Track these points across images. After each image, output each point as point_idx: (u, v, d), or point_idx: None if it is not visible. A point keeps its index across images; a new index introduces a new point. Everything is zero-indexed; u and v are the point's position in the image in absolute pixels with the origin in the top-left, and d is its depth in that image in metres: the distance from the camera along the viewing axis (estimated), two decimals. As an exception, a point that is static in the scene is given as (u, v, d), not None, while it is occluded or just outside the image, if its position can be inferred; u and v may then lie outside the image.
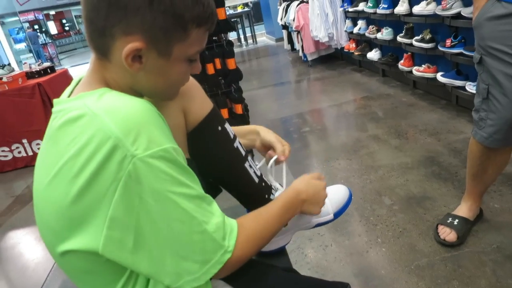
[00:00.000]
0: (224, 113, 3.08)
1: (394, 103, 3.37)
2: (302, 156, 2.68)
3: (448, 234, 1.58)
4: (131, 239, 0.57)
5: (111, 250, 0.58)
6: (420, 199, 1.92)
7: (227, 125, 0.89)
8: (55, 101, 0.65)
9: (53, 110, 0.64)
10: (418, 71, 3.23)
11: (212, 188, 0.94)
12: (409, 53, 3.44)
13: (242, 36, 9.38)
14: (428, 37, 3.05)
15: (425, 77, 3.17)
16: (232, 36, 9.05)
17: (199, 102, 0.85)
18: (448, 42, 2.74)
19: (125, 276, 0.64)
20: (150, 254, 0.59)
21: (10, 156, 3.56)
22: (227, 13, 6.79)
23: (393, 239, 1.68)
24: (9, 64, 3.78)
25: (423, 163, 2.26)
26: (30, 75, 3.73)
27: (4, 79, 3.39)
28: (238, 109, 3.10)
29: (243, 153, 0.91)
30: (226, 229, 0.64)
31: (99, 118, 0.56)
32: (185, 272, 0.61)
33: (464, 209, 1.64)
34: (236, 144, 0.89)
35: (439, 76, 2.93)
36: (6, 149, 3.53)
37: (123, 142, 0.54)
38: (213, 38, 2.94)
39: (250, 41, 9.30)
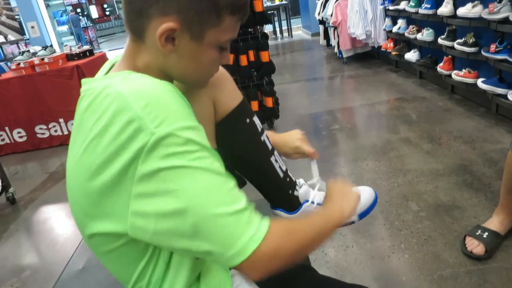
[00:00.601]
0: (254, 105, 3.09)
1: (429, 107, 3.26)
2: (329, 154, 2.65)
3: (476, 246, 1.53)
4: (153, 219, 0.56)
5: (136, 230, 0.58)
6: (449, 208, 1.86)
7: (255, 118, 0.89)
8: (83, 81, 0.67)
9: (81, 89, 0.66)
10: (458, 75, 3.11)
11: (236, 180, 0.94)
12: (449, 56, 3.31)
13: (278, 29, 9.31)
14: (471, 41, 2.92)
15: (464, 82, 3.05)
16: (267, 28, 9.01)
17: (229, 94, 0.86)
18: (493, 47, 2.61)
19: (148, 254, 0.65)
20: (171, 233, 0.57)
21: (47, 134, 3.72)
22: (264, 5, 6.75)
23: (417, 246, 1.64)
24: (51, 46, 3.93)
25: (455, 171, 2.18)
26: (70, 57, 3.86)
27: (46, 60, 3.53)
28: (269, 102, 3.10)
29: (270, 147, 0.91)
30: (252, 217, 0.59)
31: (123, 97, 0.57)
32: (205, 254, 0.57)
33: (495, 222, 1.58)
34: (264, 137, 0.90)
35: (480, 82, 2.81)
36: (44, 127, 3.69)
37: (144, 121, 0.55)
38: (249, 30, 2.94)
39: (285, 34, 9.21)
